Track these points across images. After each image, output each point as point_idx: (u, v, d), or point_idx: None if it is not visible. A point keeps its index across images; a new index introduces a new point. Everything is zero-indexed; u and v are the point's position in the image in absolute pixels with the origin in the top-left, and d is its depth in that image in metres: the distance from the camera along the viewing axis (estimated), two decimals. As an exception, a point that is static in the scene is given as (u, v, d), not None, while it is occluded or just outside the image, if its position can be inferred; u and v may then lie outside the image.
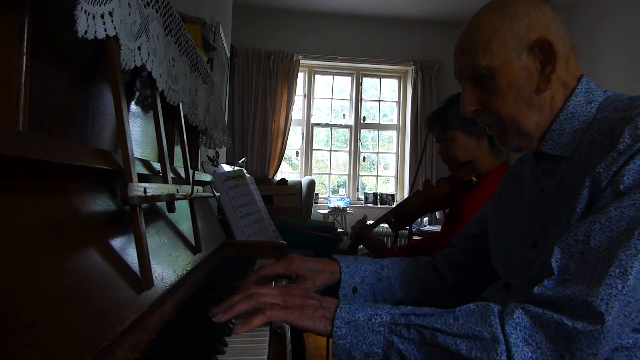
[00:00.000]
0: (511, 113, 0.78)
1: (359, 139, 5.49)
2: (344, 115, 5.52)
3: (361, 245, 1.76)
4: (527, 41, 0.75)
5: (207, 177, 1.40)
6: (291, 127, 5.11)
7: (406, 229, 2.86)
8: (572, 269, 0.63)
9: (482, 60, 0.77)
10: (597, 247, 0.62)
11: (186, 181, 1.04)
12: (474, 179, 1.54)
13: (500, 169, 1.57)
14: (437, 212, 4.48)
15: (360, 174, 5.55)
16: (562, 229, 0.71)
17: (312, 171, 5.44)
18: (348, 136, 5.53)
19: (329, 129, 5.51)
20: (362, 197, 5.45)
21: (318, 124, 5.46)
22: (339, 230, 2.41)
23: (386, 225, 1.75)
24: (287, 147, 5.14)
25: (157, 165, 0.83)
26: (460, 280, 1.02)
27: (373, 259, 1.01)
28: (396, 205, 1.73)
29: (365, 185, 5.62)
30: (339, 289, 0.93)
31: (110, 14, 0.58)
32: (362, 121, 5.49)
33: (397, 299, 0.97)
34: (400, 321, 0.67)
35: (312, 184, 4.28)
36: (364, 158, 5.55)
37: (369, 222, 1.74)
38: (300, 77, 5.27)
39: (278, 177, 4.91)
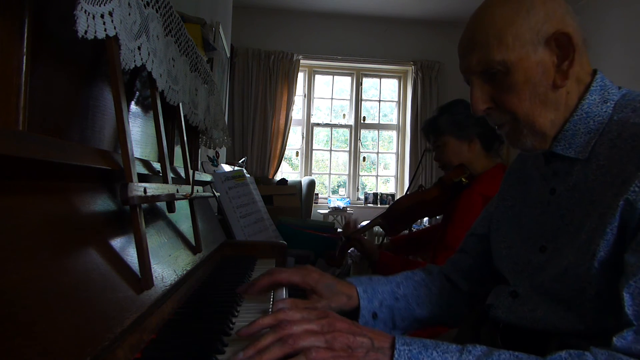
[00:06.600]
0: (527, 111, 0.73)
1: (359, 139, 5.49)
2: (344, 115, 5.52)
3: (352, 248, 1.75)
4: (544, 34, 0.71)
5: (207, 177, 1.40)
6: (291, 127, 5.11)
7: (405, 231, 2.86)
8: None
9: (497, 54, 0.72)
10: None
11: (186, 181, 1.04)
12: (463, 180, 1.55)
13: (494, 170, 1.58)
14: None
15: (360, 174, 5.55)
16: (583, 243, 0.67)
17: (312, 171, 5.44)
18: (348, 136, 5.53)
19: (329, 129, 5.51)
20: (362, 197, 5.44)
21: (318, 124, 5.46)
22: (338, 230, 2.41)
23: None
24: (287, 147, 5.14)
25: (157, 165, 0.83)
26: (474, 287, 0.97)
27: (386, 276, 0.95)
28: (386, 209, 1.71)
29: (365, 185, 5.62)
30: (357, 315, 0.86)
31: (110, 14, 0.58)
32: (362, 121, 5.49)
33: (415, 317, 0.92)
34: None
35: (312, 184, 4.28)
36: (364, 158, 5.55)
37: (361, 224, 1.72)
38: (300, 77, 5.27)
39: (278, 177, 4.91)
